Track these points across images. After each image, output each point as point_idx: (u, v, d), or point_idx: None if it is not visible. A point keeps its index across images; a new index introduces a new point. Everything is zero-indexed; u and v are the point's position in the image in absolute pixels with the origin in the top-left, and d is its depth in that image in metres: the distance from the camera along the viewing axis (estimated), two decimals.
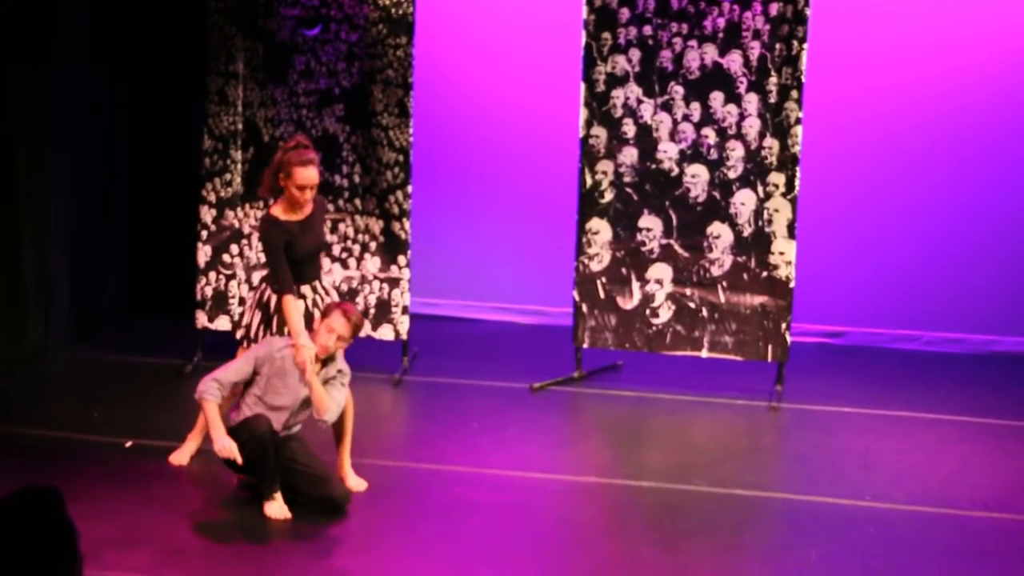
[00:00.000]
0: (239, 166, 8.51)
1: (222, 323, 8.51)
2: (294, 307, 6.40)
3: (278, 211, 6.56)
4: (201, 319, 8.51)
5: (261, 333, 6.56)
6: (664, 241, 8.35)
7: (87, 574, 3.48)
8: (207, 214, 8.50)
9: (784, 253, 8.18)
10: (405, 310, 8.46)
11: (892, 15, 9.25)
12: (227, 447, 6.03)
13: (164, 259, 9.46)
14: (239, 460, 6.05)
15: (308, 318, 6.50)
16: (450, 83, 9.61)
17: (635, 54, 8.28)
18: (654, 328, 8.38)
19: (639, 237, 8.37)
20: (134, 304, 9.59)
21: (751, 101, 8.17)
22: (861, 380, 8.68)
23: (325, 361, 6.28)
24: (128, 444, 7.04)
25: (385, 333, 8.41)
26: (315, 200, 6.65)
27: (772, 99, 8.13)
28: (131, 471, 6.71)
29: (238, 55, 8.47)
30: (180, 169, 9.13)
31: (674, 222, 8.34)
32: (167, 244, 9.41)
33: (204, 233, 8.50)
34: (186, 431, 7.28)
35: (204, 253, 8.50)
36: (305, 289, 6.60)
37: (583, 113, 8.35)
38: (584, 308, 8.44)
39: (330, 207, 8.54)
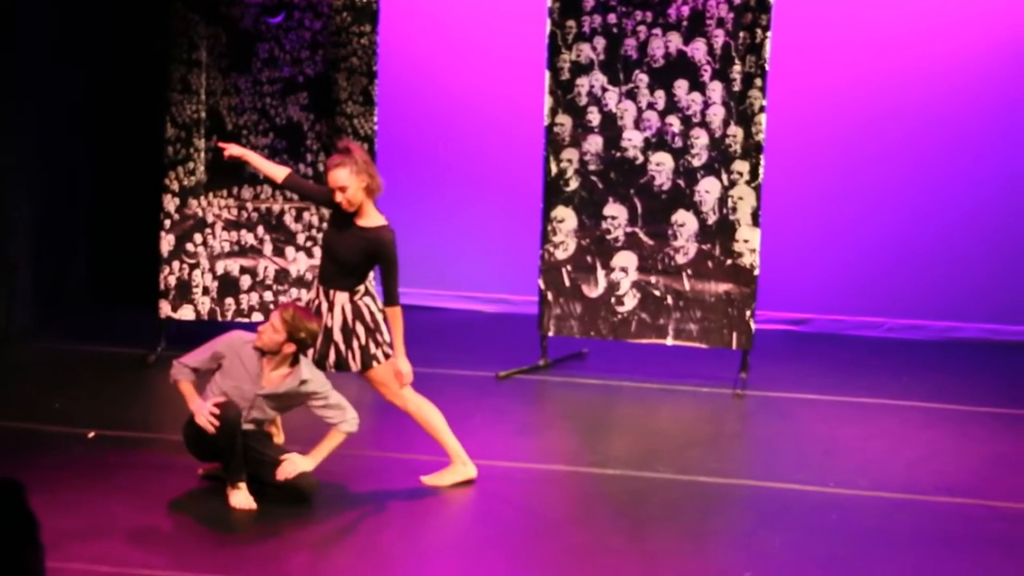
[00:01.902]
0: (202, 155, 8.47)
1: (186, 312, 8.47)
2: (398, 320, 6.41)
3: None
4: (165, 308, 8.47)
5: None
6: (629, 229, 8.36)
7: (50, 565, 3.46)
8: (170, 203, 8.45)
9: (748, 241, 8.20)
10: None
11: (857, 3, 9.27)
12: (203, 410, 6.07)
13: (127, 248, 9.42)
14: (212, 428, 6.04)
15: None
16: (415, 71, 9.59)
17: (600, 42, 8.28)
18: (619, 316, 8.39)
19: (604, 225, 8.37)
20: (97, 293, 9.54)
21: (715, 89, 8.19)
22: (825, 367, 8.72)
23: (293, 364, 6.24)
24: (91, 435, 7.00)
25: None
26: (371, 230, 6.42)
27: (736, 87, 8.15)
28: (94, 461, 6.67)
29: (201, 43, 8.42)
30: (143, 157, 9.08)
31: (639, 210, 8.35)
32: (130, 232, 9.36)
33: (167, 222, 8.46)
34: (150, 421, 7.26)
35: (167, 242, 8.46)
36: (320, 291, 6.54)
37: (548, 101, 8.34)
38: (549, 296, 8.44)
39: (294, 197, 8.52)
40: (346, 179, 6.33)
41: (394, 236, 6.41)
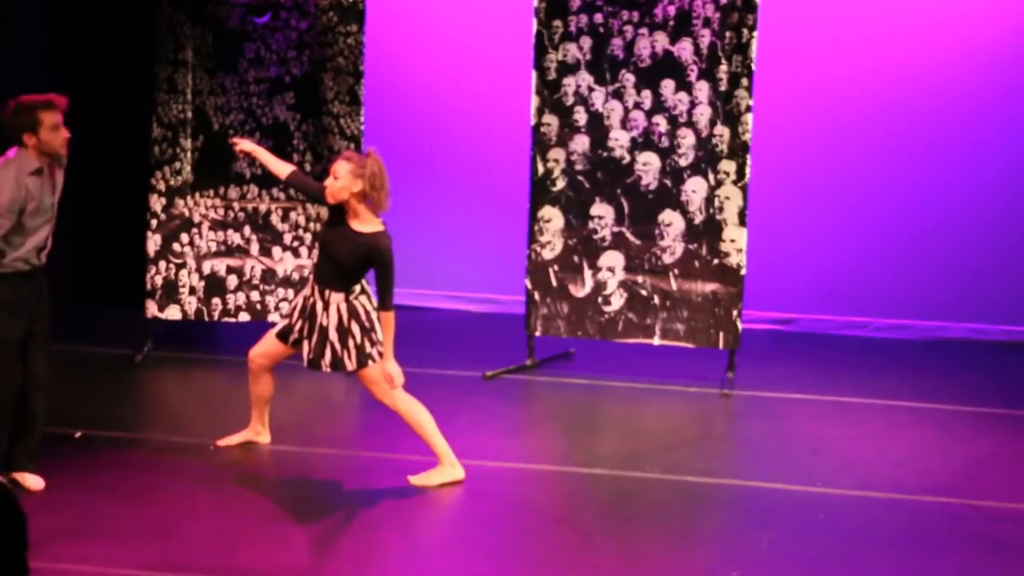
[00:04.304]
0: (189, 154, 8.46)
1: (172, 312, 8.46)
2: (390, 325, 6.40)
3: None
4: (151, 308, 8.46)
5: (305, 336, 6.50)
6: (616, 229, 8.37)
7: (36, 566, 3.45)
8: (157, 203, 8.44)
9: (735, 241, 8.21)
10: None
11: (843, 3, 9.29)
12: None
13: (113, 247, 9.40)
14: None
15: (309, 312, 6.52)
16: (401, 71, 9.59)
17: (586, 42, 8.29)
18: (606, 316, 8.40)
19: (591, 225, 8.38)
20: (83, 293, 9.52)
21: (702, 89, 8.20)
22: (811, 367, 8.74)
23: None
24: (78, 434, 6.99)
25: None
26: (368, 235, 6.40)
27: (723, 87, 8.16)
28: (81, 461, 6.66)
29: (187, 43, 8.41)
30: (130, 157, 9.07)
31: (626, 210, 8.35)
32: (116, 232, 9.34)
33: (154, 222, 8.45)
34: (136, 421, 7.25)
35: (154, 242, 8.45)
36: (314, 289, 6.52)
37: (534, 101, 8.34)
38: (536, 296, 8.44)
39: (280, 195, 8.53)
40: (342, 172, 6.37)
41: (390, 242, 6.41)
